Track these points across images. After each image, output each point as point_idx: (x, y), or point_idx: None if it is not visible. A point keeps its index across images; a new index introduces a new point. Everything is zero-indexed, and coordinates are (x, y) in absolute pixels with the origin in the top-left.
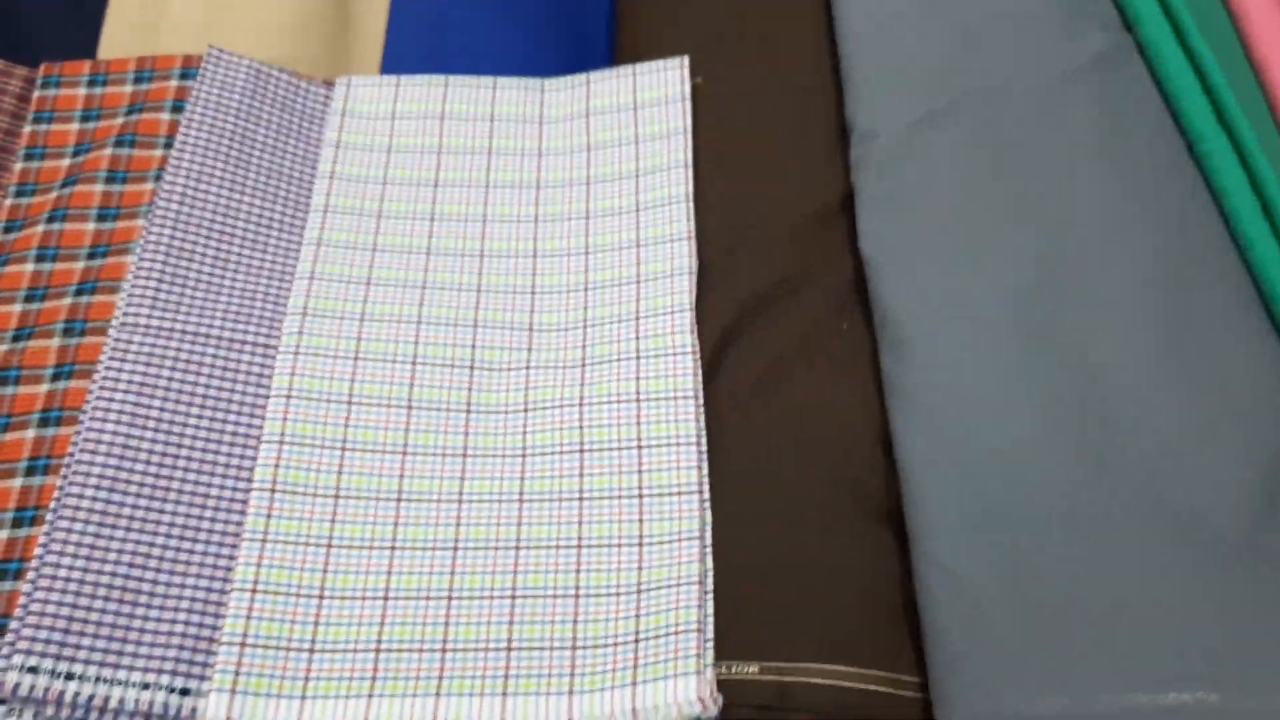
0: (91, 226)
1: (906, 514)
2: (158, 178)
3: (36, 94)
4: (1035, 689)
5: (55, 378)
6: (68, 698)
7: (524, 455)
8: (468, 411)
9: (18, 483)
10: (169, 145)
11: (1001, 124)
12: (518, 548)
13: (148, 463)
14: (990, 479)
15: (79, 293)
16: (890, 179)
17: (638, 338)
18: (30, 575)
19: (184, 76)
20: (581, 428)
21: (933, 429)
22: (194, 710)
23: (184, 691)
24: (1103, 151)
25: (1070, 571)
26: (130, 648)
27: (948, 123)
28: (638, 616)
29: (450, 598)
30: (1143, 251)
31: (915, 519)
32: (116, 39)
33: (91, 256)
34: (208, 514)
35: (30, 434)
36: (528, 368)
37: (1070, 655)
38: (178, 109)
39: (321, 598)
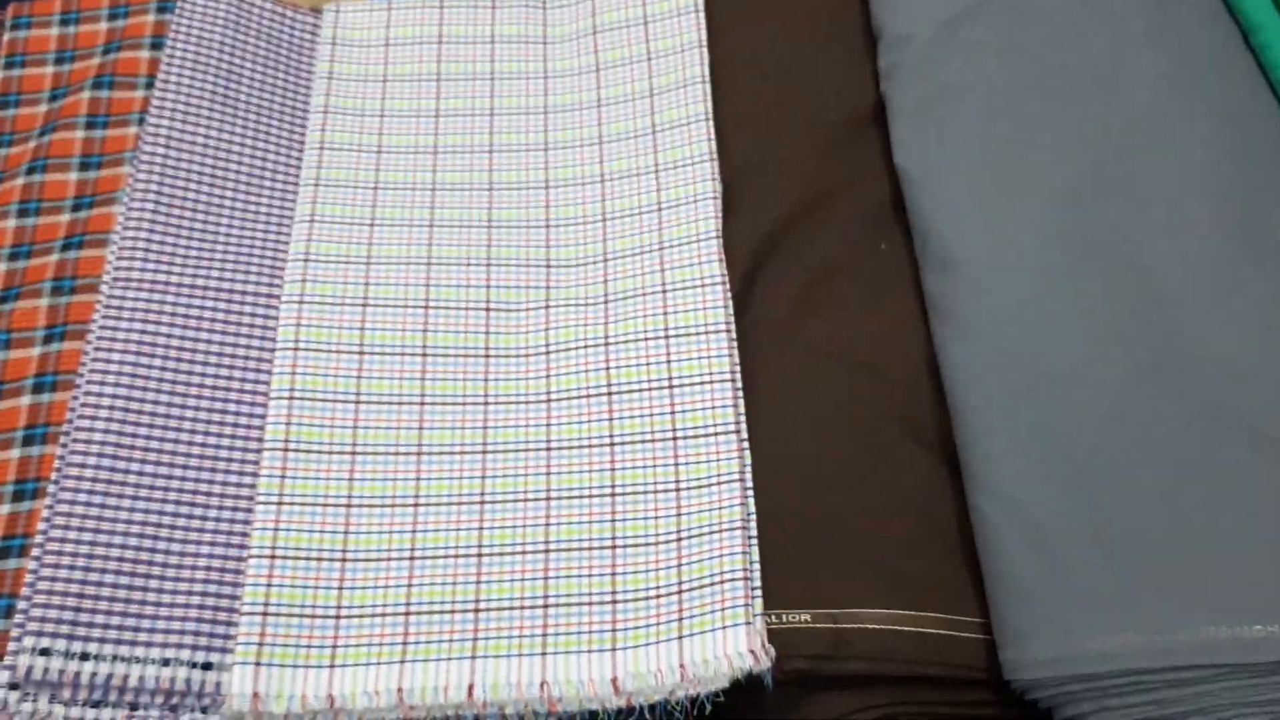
0: (74, 176)
1: (959, 442)
2: (141, 121)
3: (6, 37)
4: (1109, 625)
5: (47, 340)
6: (84, 679)
7: (549, 400)
8: (486, 356)
9: (15, 453)
10: (150, 85)
11: (1041, 17)
12: (548, 498)
13: (151, 426)
14: (1047, 401)
15: (65, 248)
16: (924, 85)
17: (662, 269)
18: (36, 551)
19: (161, 10)
20: (608, 368)
21: (982, 350)
22: (217, 685)
23: (206, 666)
24: (1152, 42)
25: (1137, 497)
26: (146, 623)
27: (984, 18)
28: (679, 566)
29: (480, 554)
30: (1198, 149)
31: (969, 447)
32: None
33: (76, 208)
34: (219, 477)
35: (25, 401)
36: (547, 306)
37: (1143, 588)
38: (157, 45)
39: (344, 560)
